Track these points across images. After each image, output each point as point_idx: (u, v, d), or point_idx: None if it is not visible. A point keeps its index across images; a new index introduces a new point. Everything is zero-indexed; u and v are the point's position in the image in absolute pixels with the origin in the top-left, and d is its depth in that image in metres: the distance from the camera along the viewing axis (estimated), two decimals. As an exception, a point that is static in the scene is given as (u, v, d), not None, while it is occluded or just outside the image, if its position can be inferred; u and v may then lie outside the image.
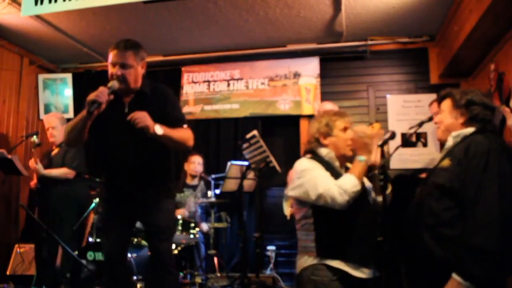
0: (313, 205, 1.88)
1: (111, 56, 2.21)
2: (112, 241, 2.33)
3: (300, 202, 1.95)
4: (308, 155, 2.03)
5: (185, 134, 2.24)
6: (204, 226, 4.00)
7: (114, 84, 2.14)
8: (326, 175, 1.88)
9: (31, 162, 3.54)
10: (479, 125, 1.78)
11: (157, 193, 2.33)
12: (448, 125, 1.84)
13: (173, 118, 2.25)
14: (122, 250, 2.38)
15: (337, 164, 2.00)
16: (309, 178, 1.88)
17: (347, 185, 1.80)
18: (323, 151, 2.00)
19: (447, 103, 1.87)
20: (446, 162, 1.73)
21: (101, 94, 2.04)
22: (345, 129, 2.00)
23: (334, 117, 2.02)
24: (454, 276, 1.55)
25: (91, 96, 2.03)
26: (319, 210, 1.87)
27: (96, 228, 3.63)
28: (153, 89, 2.33)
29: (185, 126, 2.28)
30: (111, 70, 2.21)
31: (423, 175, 2.20)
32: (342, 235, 1.84)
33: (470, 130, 1.78)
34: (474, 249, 1.53)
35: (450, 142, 1.82)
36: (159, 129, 2.07)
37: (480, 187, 1.58)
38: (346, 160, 2.04)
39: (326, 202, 1.81)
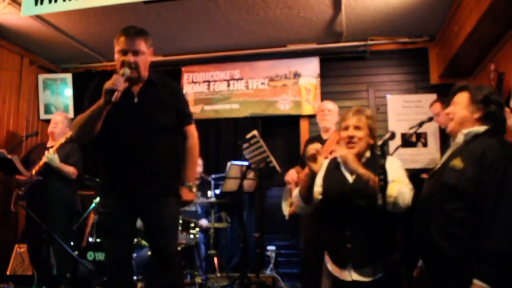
0: None
1: (121, 43, 2.13)
2: (117, 242, 2.19)
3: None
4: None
5: (196, 156, 2.39)
6: (204, 222, 4.00)
7: (126, 71, 2.05)
8: None
9: (49, 152, 3.49)
10: (493, 124, 1.75)
11: (163, 189, 2.22)
12: (462, 117, 1.80)
13: (185, 115, 2.34)
14: (128, 252, 2.27)
15: None
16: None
17: None
18: None
19: (463, 96, 1.82)
20: (458, 162, 1.69)
21: (117, 81, 1.96)
22: None
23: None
24: (477, 282, 1.53)
25: (108, 85, 1.94)
26: None
27: (98, 229, 3.61)
28: (159, 79, 2.30)
29: (192, 122, 2.38)
30: (121, 57, 2.12)
31: (424, 175, 2.20)
32: None
33: (482, 128, 1.75)
34: (499, 257, 1.52)
35: (460, 139, 1.79)
36: (193, 188, 2.32)
37: (499, 196, 1.57)
38: None
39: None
